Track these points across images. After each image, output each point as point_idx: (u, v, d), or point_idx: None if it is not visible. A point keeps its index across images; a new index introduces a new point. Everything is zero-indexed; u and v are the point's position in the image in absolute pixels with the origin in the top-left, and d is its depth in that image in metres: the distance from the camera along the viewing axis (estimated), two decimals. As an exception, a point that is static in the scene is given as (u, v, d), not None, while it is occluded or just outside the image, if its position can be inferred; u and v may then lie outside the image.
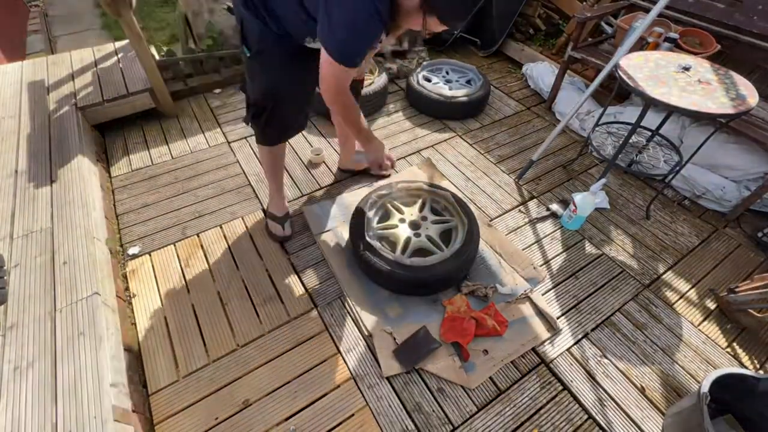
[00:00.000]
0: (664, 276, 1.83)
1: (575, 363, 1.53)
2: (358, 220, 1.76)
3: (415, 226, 1.82)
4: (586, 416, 1.40)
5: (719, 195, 2.06)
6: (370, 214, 1.82)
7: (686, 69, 1.73)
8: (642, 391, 1.46)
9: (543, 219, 2.06)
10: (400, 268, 1.59)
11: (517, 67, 3.29)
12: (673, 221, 2.09)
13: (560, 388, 1.47)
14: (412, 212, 1.87)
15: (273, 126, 1.57)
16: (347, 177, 2.25)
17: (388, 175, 1.91)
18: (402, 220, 1.83)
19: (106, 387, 1.19)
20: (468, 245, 1.68)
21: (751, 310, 1.59)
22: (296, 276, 1.77)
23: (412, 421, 1.37)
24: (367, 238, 1.68)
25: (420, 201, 1.91)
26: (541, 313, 1.65)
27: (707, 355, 1.57)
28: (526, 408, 1.41)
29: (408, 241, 1.75)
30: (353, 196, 2.11)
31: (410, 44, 3.12)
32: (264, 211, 2.04)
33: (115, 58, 2.71)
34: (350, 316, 1.64)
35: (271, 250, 1.87)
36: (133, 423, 1.23)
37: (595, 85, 1.88)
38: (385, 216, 1.89)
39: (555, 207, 2.09)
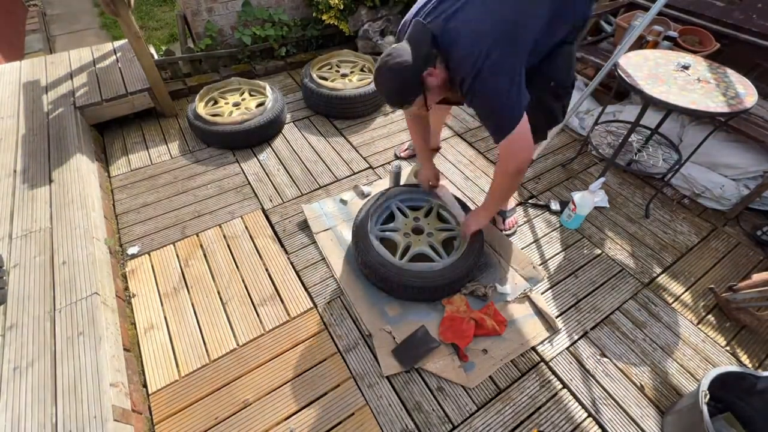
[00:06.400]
0: (663, 274, 1.83)
1: (575, 362, 1.53)
2: (361, 219, 1.76)
3: (417, 231, 1.82)
4: (585, 414, 1.40)
5: (718, 193, 2.06)
6: (375, 215, 1.82)
7: (685, 67, 1.73)
8: (641, 389, 1.47)
9: (542, 218, 2.06)
10: (393, 270, 1.58)
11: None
12: (672, 220, 2.09)
13: (560, 386, 1.47)
14: (417, 216, 1.87)
15: None
16: (346, 176, 2.25)
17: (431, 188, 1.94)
18: (406, 224, 1.83)
19: (106, 387, 1.20)
20: (465, 259, 1.64)
21: (750, 309, 1.60)
22: (296, 275, 1.77)
23: (412, 420, 1.37)
24: (369, 237, 1.68)
25: (427, 206, 1.91)
26: (540, 312, 1.65)
27: (706, 353, 1.57)
28: (525, 407, 1.41)
29: (408, 245, 1.75)
30: (353, 195, 2.11)
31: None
32: (263, 211, 2.05)
33: (114, 57, 2.70)
34: (350, 315, 1.64)
35: (271, 249, 1.87)
36: (133, 423, 1.24)
37: (595, 83, 1.88)
38: (390, 218, 1.89)
39: (554, 206, 2.09)
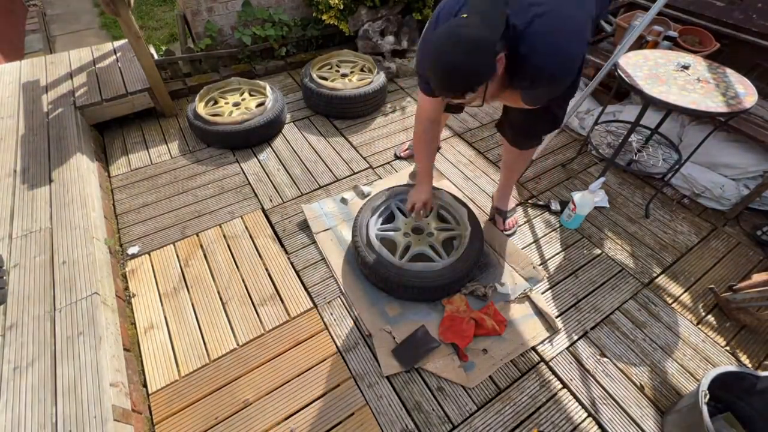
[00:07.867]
0: (663, 274, 1.83)
1: (575, 361, 1.53)
2: (361, 218, 1.76)
3: (417, 231, 1.82)
4: (585, 414, 1.40)
5: (718, 193, 2.06)
6: (375, 215, 1.82)
7: (685, 67, 1.73)
8: (641, 389, 1.47)
9: (542, 218, 2.06)
10: (393, 270, 1.58)
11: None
12: (672, 220, 2.09)
13: (560, 386, 1.47)
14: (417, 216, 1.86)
15: None
16: (346, 176, 2.25)
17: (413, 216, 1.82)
18: (406, 224, 1.83)
19: (106, 386, 1.20)
20: (465, 260, 1.64)
21: (750, 309, 1.60)
22: (296, 275, 1.78)
23: (412, 420, 1.37)
24: (369, 237, 1.68)
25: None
26: (540, 312, 1.65)
27: (706, 353, 1.57)
28: (525, 406, 1.41)
29: (408, 245, 1.75)
30: (353, 195, 2.11)
31: (409, 43, 3.12)
32: (263, 211, 2.04)
33: (114, 57, 2.70)
34: (350, 315, 1.64)
35: (271, 249, 1.87)
36: (133, 423, 1.24)
37: (595, 83, 1.88)
38: (390, 218, 1.89)
39: (554, 206, 2.09)
